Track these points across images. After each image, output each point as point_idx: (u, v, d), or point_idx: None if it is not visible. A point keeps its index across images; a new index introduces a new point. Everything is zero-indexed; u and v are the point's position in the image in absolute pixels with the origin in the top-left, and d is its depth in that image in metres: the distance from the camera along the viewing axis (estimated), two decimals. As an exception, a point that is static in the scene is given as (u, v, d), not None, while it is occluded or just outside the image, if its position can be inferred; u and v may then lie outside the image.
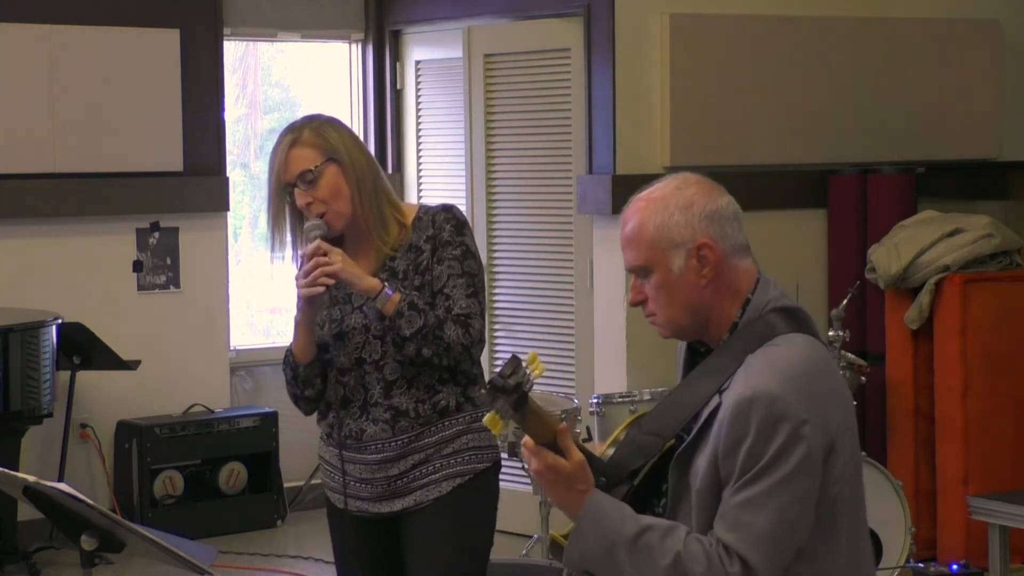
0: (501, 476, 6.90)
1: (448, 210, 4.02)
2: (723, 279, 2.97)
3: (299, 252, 3.99)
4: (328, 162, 3.94)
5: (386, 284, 3.91)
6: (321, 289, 3.88)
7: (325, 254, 3.88)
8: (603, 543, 2.87)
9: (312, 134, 3.96)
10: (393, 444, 3.96)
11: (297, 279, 3.92)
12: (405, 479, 3.97)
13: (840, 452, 2.90)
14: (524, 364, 2.82)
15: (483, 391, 2.84)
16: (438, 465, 3.97)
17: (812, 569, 2.90)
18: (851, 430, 2.96)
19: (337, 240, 4.02)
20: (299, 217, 3.98)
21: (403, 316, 3.88)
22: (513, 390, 2.80)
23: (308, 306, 3.94)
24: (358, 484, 4.02)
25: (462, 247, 3.97)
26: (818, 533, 2.89)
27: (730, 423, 2.85)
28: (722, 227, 2.96)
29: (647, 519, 2.89)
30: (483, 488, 4.02)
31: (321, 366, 4.02)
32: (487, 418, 2.83)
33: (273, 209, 3.99)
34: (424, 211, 4.03)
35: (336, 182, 3.94)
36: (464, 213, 4.08)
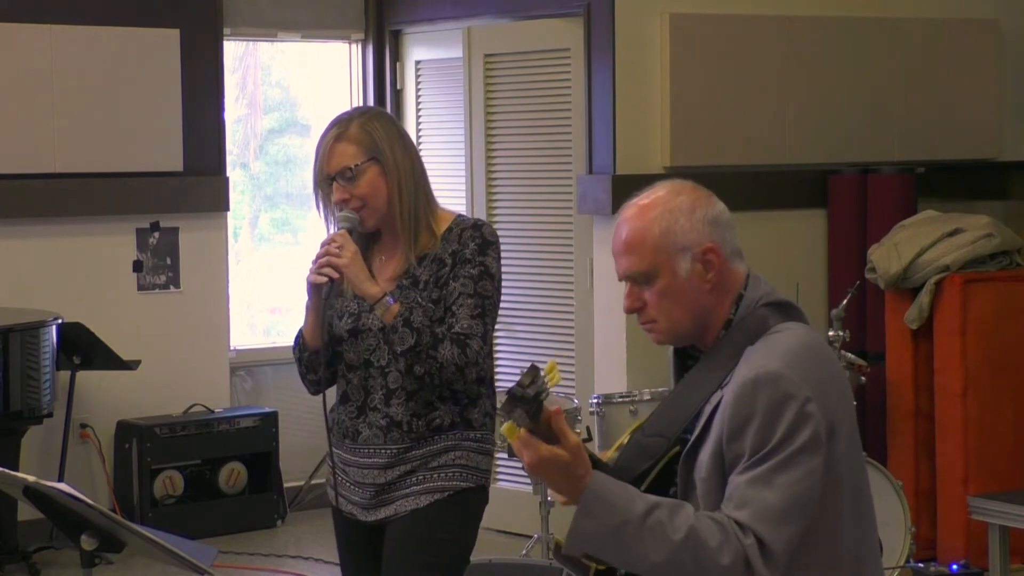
0: (501, 476, 6.86)
1: (477, 228, 4.00)
2: (723, 282, 2.98)
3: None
4: (370, 161, 3.95)
5: (388, 293, 3.90)
6: (323, 279, 3.89)
7: (340, 247, 3.89)
8: (609, 523, 2.82)
9: (359, 130, 3.96)
10: (383, 452, 3.96)
11: (312, 261, 3.94)
12: (392, 488, 3.97)
13: (839, 432, 2.90)
14: (543, 373, 2.80)
15: (503, 401, 2.82)
16: (421, 477, 3.96)
17: (817, 551, 2.89)
18: (850, 415, 2.96)
19: (372, 237, 4.02)
20: (335, 205, 4.00)
21: (396, 332, 3.87)
22: (532, 400, 2.78)
23: (312, 293, 3.95)
24: (352, 487, 4.03)
25: (480, 267, 3.95)
26: (821, 515, 2.89)
27: (734, 405, 2.85)
28: (721, 232, 2.98)
29: (653, 497, 2.87)
30: (462, 507, 3.99)
31: (329, 355, 4.01)
32: (505, 427, 2.80)
33: (319, 194, 4.02)
34: (456, 223, 4.02)
35: (375, 182, 3.95)
36: (494, 232, 4.03)
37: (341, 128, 3.97)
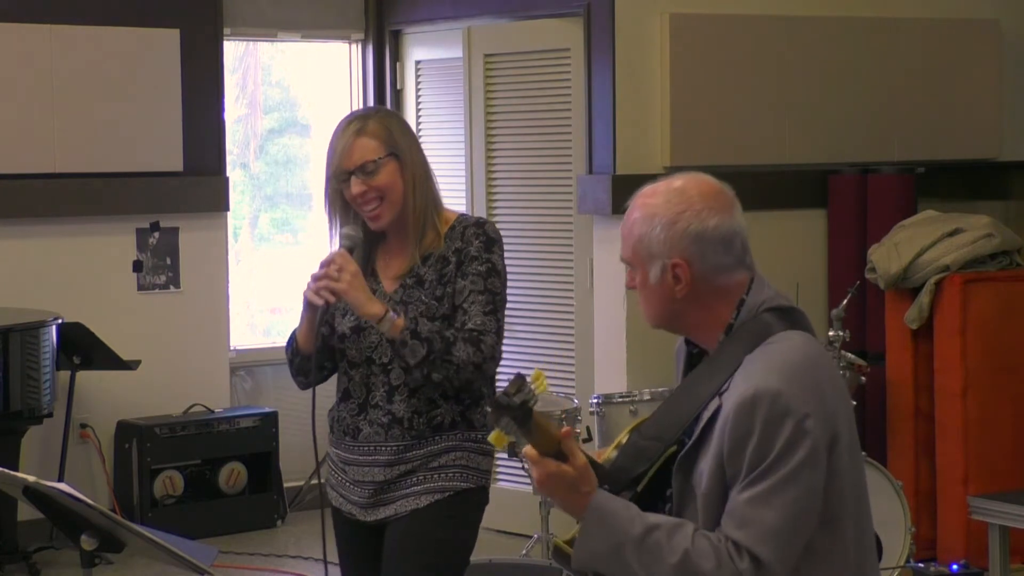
0: (501, 476, 6.83)
1: (480, 225, 4.01)
2: (702, 293, 2.98)
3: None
4: (389, 157, 3.96)
5: (390, 309, 3.90)
6: (320, 300, 3.89)
7: (340, 269, 3.88)
8: (610, 543, 2.87)
9: (378, 126, 3.97)
10: (384, 449, 3.97)
11: (311, 277, 3.92)
12: (392, 487, 3.97)
13: (843, 443, 2.91)
14: (529, 381, 2.82)
15: (488, 409, 2.84)
16: (422, 477, 3.96)
17: (821, 564, 2.90)
18: (850, 424, 2.97)
19: (376, 237, 4.02)
20: (346, 204, 3.99)
21: (407, 346, 3.86)
22: (518, 408, 2.80)
23: (307, 308, 3.96)
24: (351, 486, 4.03)
25: (488, 264, 3.96)
26: (825, 528, 2.90)
27: (734, 423, 2.86)
28: (702, 248, 2.96)
29: (654, 517, 2.90)
30: (462, 507, 3.99)
31: (321, 360, 4.01)
32: (492, 436, 2.84)
33: (330, 192, 4.01)
34: (459, 222, 4.03)
35: (393, 178, 3.96)
36: (497, 230, 4.05)
37: (361, 123, 3.98)
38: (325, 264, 3.91)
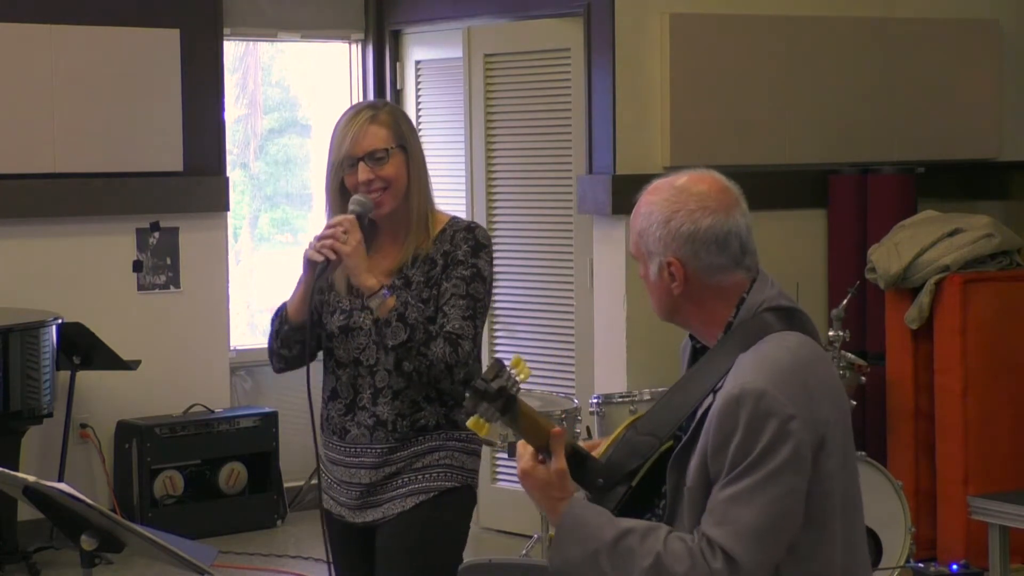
0: (501, 476, 6.82)
1: (470, 230, 4.01)
2: (697, 291, 2.99)
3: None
4: (399, 148, 3.97)
5: (385, 287, 3.90)
6: (320, 257, 3.86)
7: (347, 232, 3.86)
8: (584, 549, 2.88)
9: (389, 117, 3.99)
10: (369, 451, 3.97)
11: (314, 237, 3.91)
12: (378, 490, 3.97)
13: (831, 447, 2.90)
14: (508, 367, 2.82)
15: (467, 395, 2.85)
16: (407, 479, 3.96)
17: (805, 568, 2.90)
18: (843, 426, 2.96)
19: (369, 233, 4.01)
20: (346, 193, 3.98)
21: (390, 326, 3.86)
22: (496, 394, 2.80)
23: (307, 268, 3.92)
24: (338, 486, 4.03)
25: (473, 269, 3.95)
26: (810, 531, 2.89)
27: (719, 420, 2.86)
28: (695, 248, 2.97)
29: (627, 522, 2.90)
30: (448, 507, 3.98)
31: (314, 337, 3.98)
32: (471, 421, 2.84)
33: (332, 182, 4.00)
34: (450, 225, 4.03)
35: (400, 170, 3.97)
36: (487, 235, 4.04)
37: (373, 112, 3.98)
38: (332, 224, 3.89)
